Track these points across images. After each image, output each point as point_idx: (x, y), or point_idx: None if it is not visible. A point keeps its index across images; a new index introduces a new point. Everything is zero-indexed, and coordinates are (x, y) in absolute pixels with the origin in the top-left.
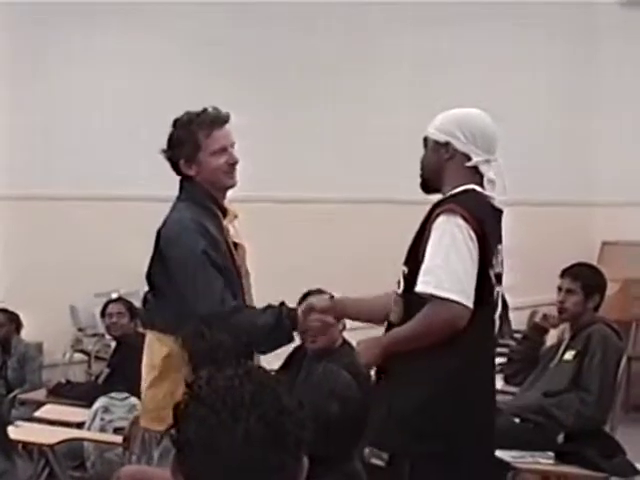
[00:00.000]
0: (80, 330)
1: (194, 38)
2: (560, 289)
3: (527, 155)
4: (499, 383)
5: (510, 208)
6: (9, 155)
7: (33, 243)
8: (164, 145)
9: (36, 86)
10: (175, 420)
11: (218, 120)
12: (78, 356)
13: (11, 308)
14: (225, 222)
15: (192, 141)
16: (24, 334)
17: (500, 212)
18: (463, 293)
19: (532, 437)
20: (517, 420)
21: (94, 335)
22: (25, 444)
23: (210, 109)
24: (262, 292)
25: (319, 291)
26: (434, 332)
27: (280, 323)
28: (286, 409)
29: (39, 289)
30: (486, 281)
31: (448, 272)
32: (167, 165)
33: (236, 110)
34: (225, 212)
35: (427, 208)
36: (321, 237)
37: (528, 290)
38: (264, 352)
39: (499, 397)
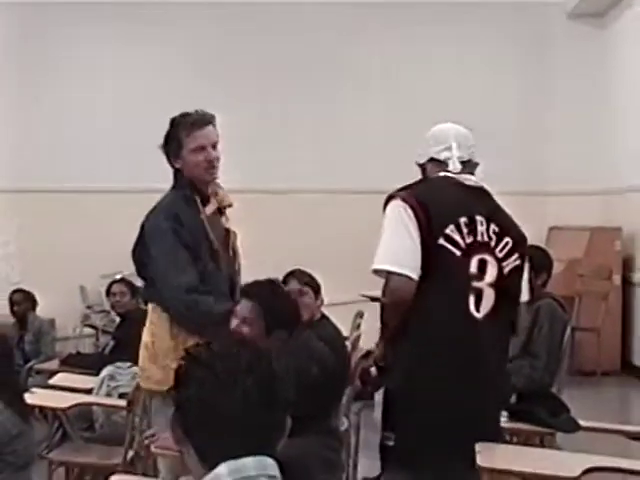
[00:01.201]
0: (89, 307)
1: (189, 44)
2: None
3: (489, 149)
4: None
5: None
6: (26, 151)
7: (47, 231)
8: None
9: (49, 88)
10: (176, 381)
11: (199, 122)
12: (87, 330)
13: (27, 288)
14: (209, 209)
15: (176, 139)
16: (39, 311)
17: (474, 189)
18: (397, 263)
19: None
20: None
21: (101, 312)
22: (41, 409)
23: (196, 111)
24: (256, 272)
25: (300, 271)
26: (387, 303)
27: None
28: (277, 375)
29: (52, 271)
30: (436, 251)
31: (384, 248)
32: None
33: (230, 110)
34: (207, 200)
35: None
36: (309, 224)
37: None
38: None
39: None
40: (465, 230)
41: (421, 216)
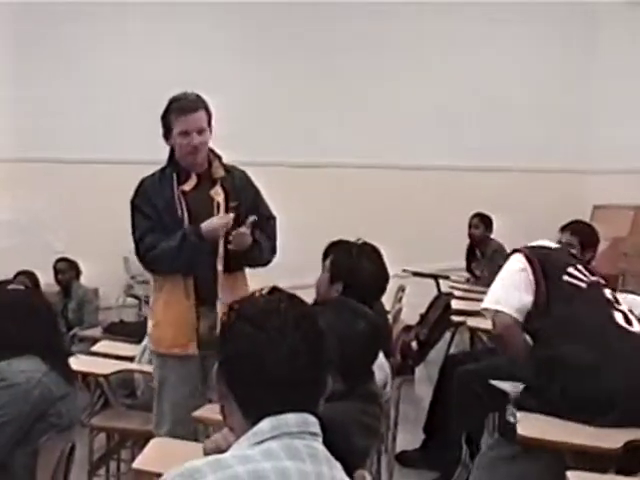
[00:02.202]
0: (132, 277)
1: (219, 19)
2: (560, 243)
3: (535, 127)
4: None
5: (519, 174)
6: (71, 122)
7: (92, 201)
8: None
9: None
10: (221, 336)
11: (187, 107)
12: (130, 300)
13: (72, 257)
14: (187, 185)
15: (167, 122)
16: (83, 280)
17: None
18: (498, 303)
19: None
20: None
21: (144, 282)
22: (83, 377)
23: (186, 96)
24: (300, 247)
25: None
26: (494, 336)
27: (184, 241)
28: (322, 332)
29: (97, 242)
30: (561, 285)
31: (491, 291)
32: None
33: (268, 86)
34: (200, 178)
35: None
36: (349, 199)
37: None
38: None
39: None
40: (580, 271)
41: (537, 266)
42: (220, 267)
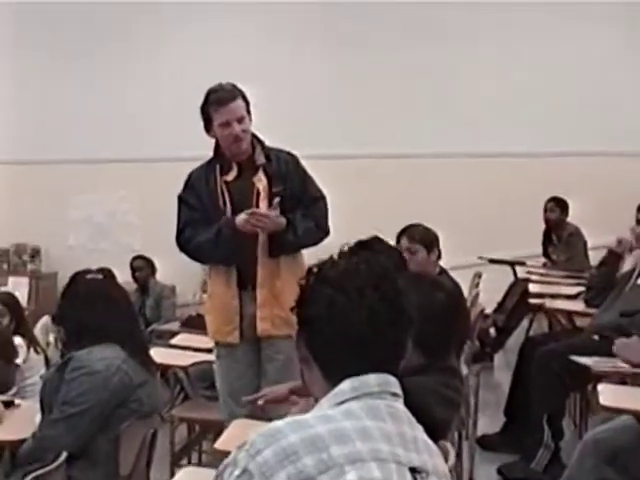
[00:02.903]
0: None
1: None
2: (639, 221)
3: (607, 114)
4: (580, 306)
5: (594, 158)
6: (145, 125)
7: (167, 200)
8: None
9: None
10: (301, 299)
11: (224, 98)
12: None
13: (148, 255)
14: (230, 176)
15: (207, 114)
16: (159, 277)
17: None
18: None
19: (609, 351)
20: (596, 337)
21: None
22: (162, 372)
23: (222, 87)
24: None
25: (411, 228)
26: None
27: (219, 233)
28: (402, 292)
29: (172, 240)
30: None
31: None
32: None
33: (339, 79)
34: (242, 166)
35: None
36: (425, 188)
37: (604, 231)
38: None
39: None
40: None
41: None
42: (260, 254)
